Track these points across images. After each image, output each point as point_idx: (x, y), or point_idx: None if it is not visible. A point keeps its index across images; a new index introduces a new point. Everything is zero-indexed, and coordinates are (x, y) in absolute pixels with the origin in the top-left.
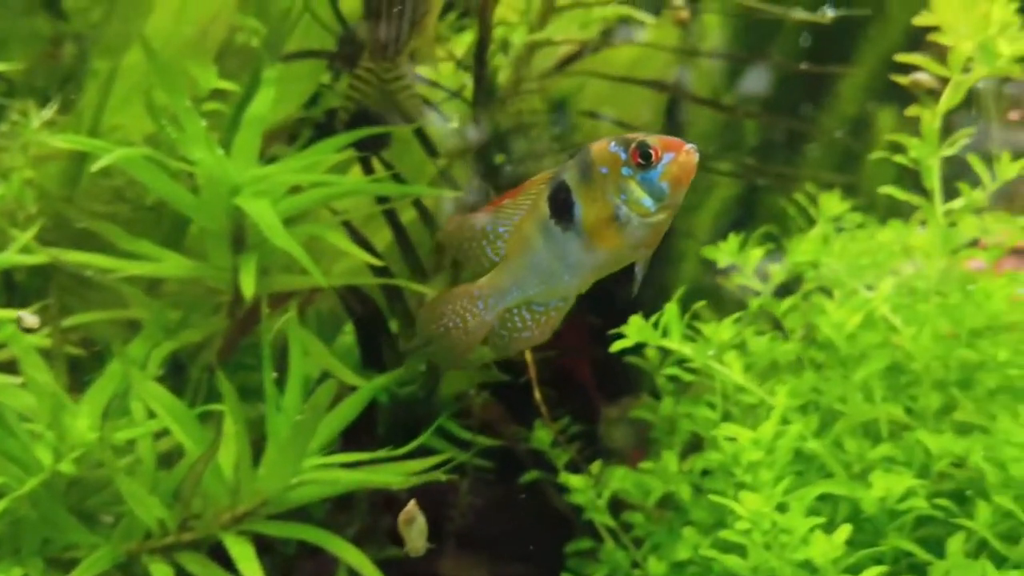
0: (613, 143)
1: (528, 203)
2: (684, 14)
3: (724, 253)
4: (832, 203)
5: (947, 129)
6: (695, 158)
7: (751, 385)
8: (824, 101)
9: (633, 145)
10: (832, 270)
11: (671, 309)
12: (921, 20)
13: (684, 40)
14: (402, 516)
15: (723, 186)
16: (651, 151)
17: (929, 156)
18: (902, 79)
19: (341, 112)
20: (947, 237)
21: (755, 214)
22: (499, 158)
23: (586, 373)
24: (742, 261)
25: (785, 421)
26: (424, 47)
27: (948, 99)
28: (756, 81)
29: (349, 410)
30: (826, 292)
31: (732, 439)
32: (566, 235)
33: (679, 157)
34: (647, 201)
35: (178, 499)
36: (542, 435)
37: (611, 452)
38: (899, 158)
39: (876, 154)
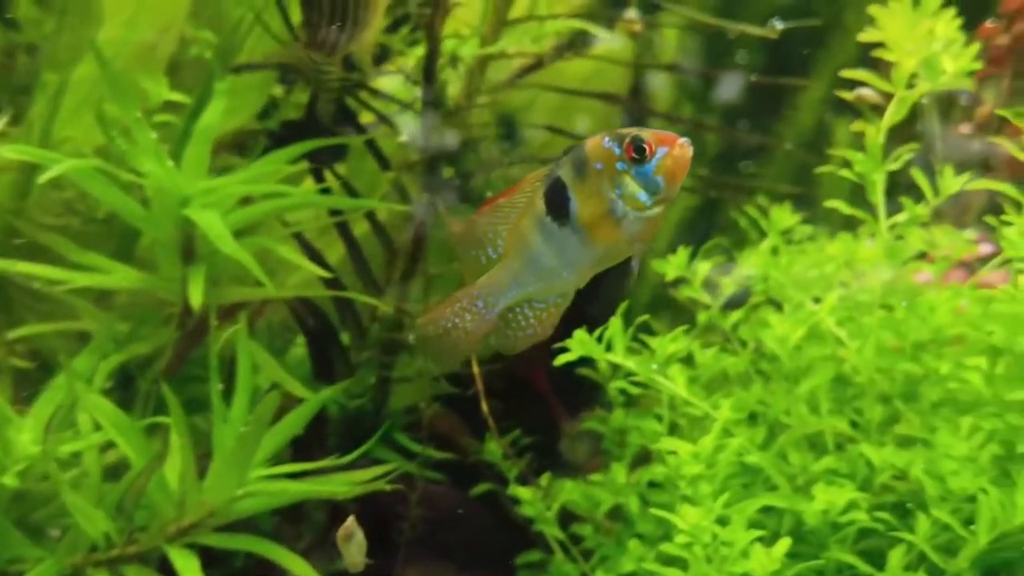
0: (607, 139)
1: (524, 201)
2: (637, 27)
3: (672, 267)
4: (783, 216)
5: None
6: (689, 152)
7: (694, 398)
8: (784, 112)
9: (627, 140)
10: (779, 283)
11: (615, 323)
12: (867, 36)
13: (640, 52)
14: (341, 531)
15: (684, 196)
16: (645, 146)
17: (873, 171)
18: (847, 94)
19: (322, 109)
20: (891, 250)
21: (716, 225)
22: (448, 171)
23: (545, 384)
24: (690, 274)
25: (728, 434)
26: (364, 56)
27: (892, 114)
28: (722, 90)
29: (296, 422)
30: (776, 305)
31: (673, 453)
32: (563, 231)
33: (673, 151)
34: (642, 195)
35: (123, 512)
36: (493, 448)
37: (572, 465)
38: (845, 172)
39: (824, 169)
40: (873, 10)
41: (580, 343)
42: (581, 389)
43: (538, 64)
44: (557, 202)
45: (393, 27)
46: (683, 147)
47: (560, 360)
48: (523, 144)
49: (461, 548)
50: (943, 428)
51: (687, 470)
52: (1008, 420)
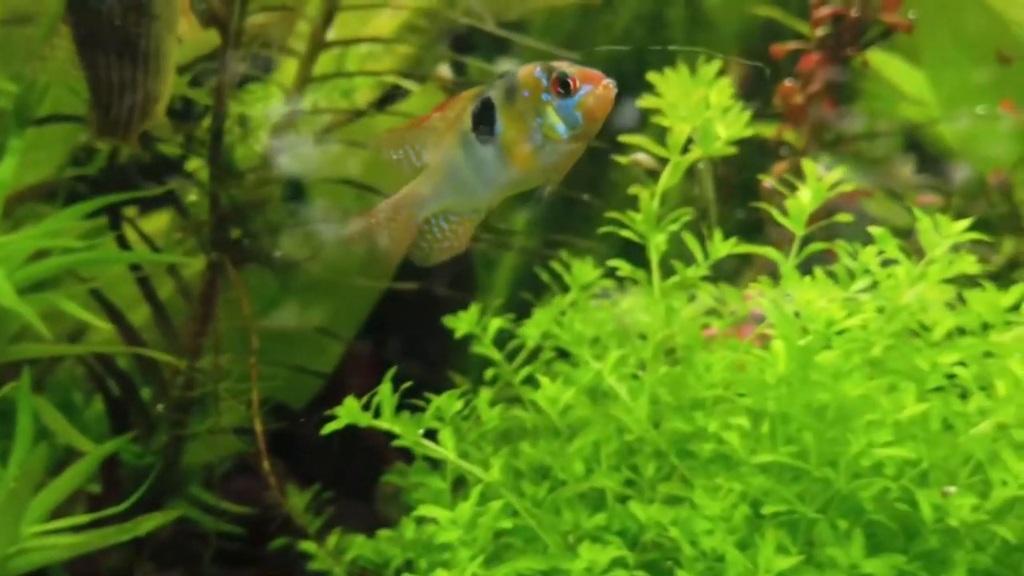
0: (538, 68)
1: (452, 117)
2: (448, 83)
3: (463, 323)
4: (584, 270)
5: None
6: (612, 93)
7: (461, 461)
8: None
9: (555, 73)
10: (563, 341)
11: (385, 388)
12: (645, 103)
13: None
14: None
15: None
16: (570, 80)
17: (649, 233)
18: (623, 159)
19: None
20: (667, 309)
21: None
22: (236, 232)
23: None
24: (480, 330)
25: (496, 496)
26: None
27: (667, 179)
28: None
29: (76, 476)
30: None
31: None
32: (484, 149)
33: (596, 90)
34: (561, 128)
35: None
36: (295, 502)
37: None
38: (625, 232)
39: (603, 230)
40: (651, 77)
41: (348, 412)
42: None
43: (347, 120)
44: (484, 121)
45: (195, 82)
46: (607, 88)
47: (327, 428)
48: (316, 202)
49: None
50: (701, 487)
51: (443, 537)
52: (756, 482)
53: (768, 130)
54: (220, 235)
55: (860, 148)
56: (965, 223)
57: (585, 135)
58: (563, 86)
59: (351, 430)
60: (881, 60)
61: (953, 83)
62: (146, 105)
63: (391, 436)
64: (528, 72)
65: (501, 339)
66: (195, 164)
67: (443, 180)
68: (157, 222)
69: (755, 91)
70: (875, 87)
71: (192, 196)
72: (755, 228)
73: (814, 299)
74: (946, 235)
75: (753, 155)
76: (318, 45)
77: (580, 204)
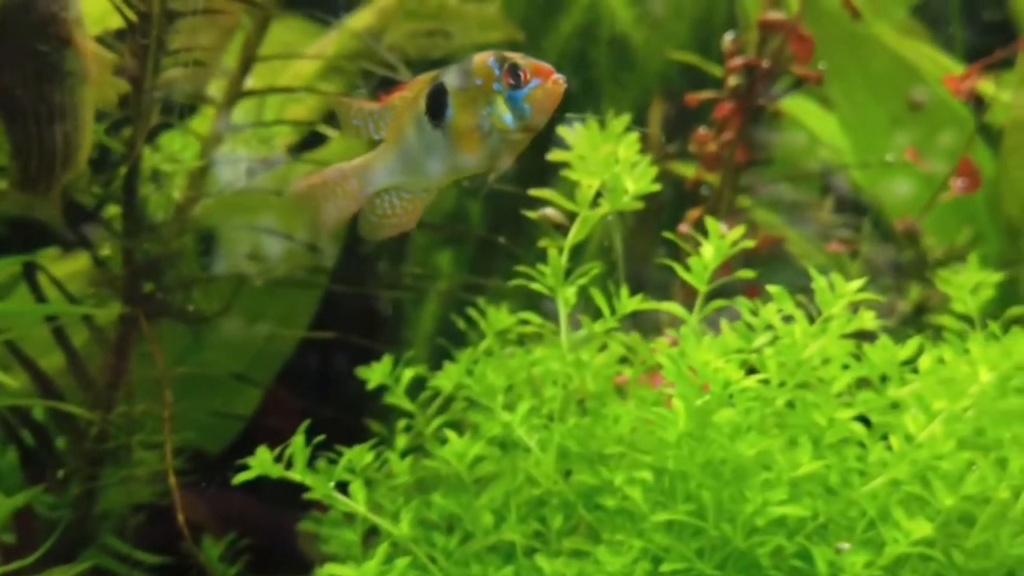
0: (492, 58)
1: (412, 97)
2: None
3: (376, 373)
4: (500, 317)
5: None
6: (561, 88)
7: (371, 515)
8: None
9: (507, 64)
10: (474, 392)
11: (298, 440)
12: (553, 156)
13: None
14: None
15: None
16: (520, 72)
17: (558, 287)
18: (532, 214)
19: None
20: (577, 363)
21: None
22: (148, 286)
23: None
24: (392, 381)
25: (405, 550)
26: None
27: (576, 233)
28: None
29: None
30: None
31: None
32: (435, 132)
33: (545, 84)
34: (508, 118)
35: None
36: (211, 551)
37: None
38: (535, 286)
39: (513, 283)
40: (561, 130)
41: (260, 463)
42: None
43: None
44: (436, 105)
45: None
46: (556, 83)
47: (239, 478)
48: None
49: None
50: (605, 541)
51: None
52: (658, 538)
53: (688, 170)
54: (133, 289)
55: (779, 192)
56: (859, 283)
57: (531, 127)
58: (514, 77)
59: None
60: (797, 106)
61: (864, 129)
62: (65, 159)
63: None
64: (482, 60)
65: (421, 383)
66: (112, 211)
67: (395, 157)
68: (74, 264)
69: (677, 131)
70: (791, 133)
71: (105, 251)
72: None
73: (711, 360)
74: (840, 295)
75: (675, 195)
76: (236, 94)
77: (503, 246)
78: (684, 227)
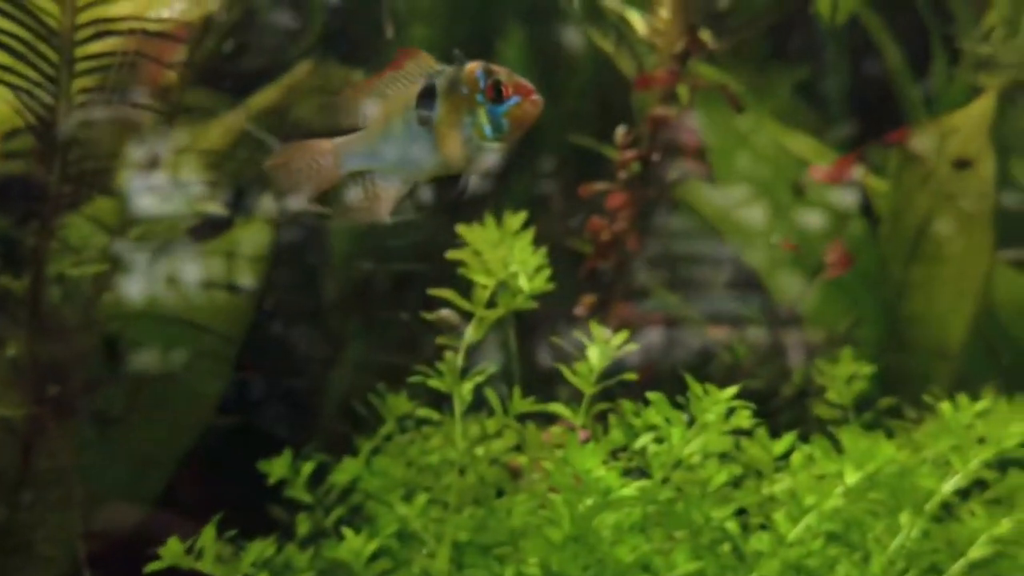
0: (480, 69)
1: (405, 83)
2: None
3: (277, 467)
4: (399, 403)
5: None
6: (539, 108)
7: None
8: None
9: (491, 79)
10: (372, 487)
11: (208, 531)
12: (452, 255)
13: None
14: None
15: None
16: (502, 88)
17: (454, 386)
18: (429, 316)
19: None
20: (472, 455)
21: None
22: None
23: None
24: (292, 474)
25: None
26: None
27: (473, 334)
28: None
29: None
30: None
31: None
32: (419, 129)
33: (523, 103)
34: (487, 129)
35: None
36: None
37: None
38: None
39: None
40: (461, 229)
41: (171, 554)
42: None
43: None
44: (425, 103)
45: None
46: (534, 102)
47: (151, 567)
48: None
49: None
50: None
51: None
52: None
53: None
54: (38, 391)
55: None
56: (732, 391)
57: (508, 141)
58: (496, 92)
59: None
60: (691, 190)
61: (751, 213)
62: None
63: None
64: (471, 70)
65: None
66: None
67: (376, 142)
68: None
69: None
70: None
71: (11, 351)
72: None
73: (593, 467)
74: (715, 401)
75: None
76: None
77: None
78: (580, 310)
